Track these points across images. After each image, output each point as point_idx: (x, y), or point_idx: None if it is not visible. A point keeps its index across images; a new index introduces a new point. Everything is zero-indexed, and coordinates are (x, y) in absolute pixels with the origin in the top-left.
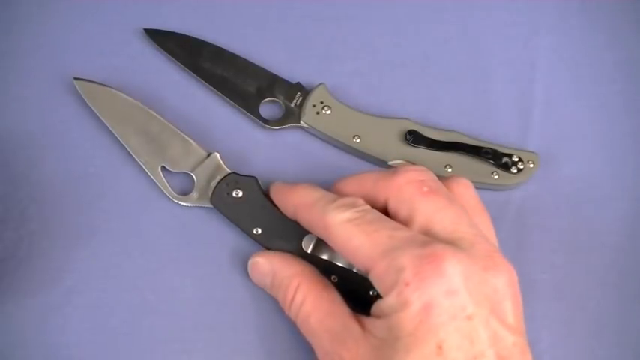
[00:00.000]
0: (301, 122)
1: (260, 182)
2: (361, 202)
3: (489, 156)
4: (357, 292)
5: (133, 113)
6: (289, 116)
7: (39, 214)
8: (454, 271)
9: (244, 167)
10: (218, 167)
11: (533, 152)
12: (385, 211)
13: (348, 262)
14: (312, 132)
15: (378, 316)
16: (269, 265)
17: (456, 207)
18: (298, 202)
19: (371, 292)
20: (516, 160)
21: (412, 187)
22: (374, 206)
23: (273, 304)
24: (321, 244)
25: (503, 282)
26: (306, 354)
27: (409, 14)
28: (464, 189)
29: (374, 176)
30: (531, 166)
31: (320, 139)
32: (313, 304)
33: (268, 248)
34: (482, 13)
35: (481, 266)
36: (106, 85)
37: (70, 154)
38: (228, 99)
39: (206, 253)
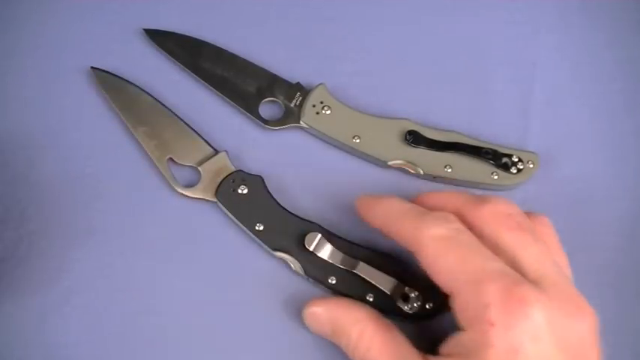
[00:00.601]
0: (301, 122)
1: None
2: (453, 217)
3: (489, 156)
4: (355, 295)
5: (145, 106)
6: (289, 116)
7: (38, 214)
8: (540, 315)
9: (244, 167)
10: (225, 165)
11: (533, 152)
12: None
13: (432, 279)
14: (312, 132)
15: (451, 354)
16: (327, 314)
17: (541, 245)
18: (388, 211)
19: (368, 297)
20: (516, 160)
21: (500, 219)
22: None
23: (273, 304)
24: (323, 242)
25: (587, 328)
26: (303, 350)
27: (409, 14)
28: (546, 227)
29: (462, 198)
30: (531, 166)
31: (320, 139)
32: (380, 349)
33: (269, 245)
34: (483, 13)
35: (565, 311)
36: (121, 78)
37: (69, 154)
38: (228, 99)
39: (206, 252)
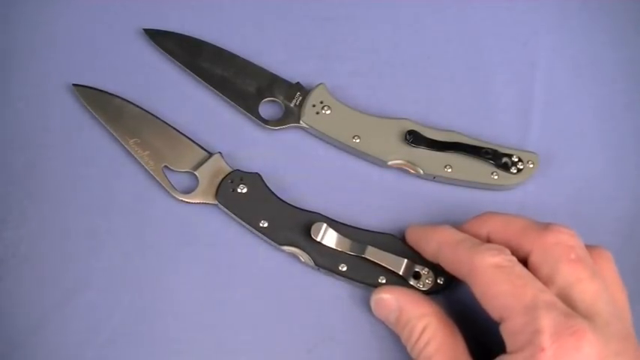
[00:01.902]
0: (301, 122)
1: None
2: (508, 251)
3: (489, 156)
4: (368, 279)
5: (132, 116)
6: (289, 116)
7: (39, 214)
8: (591, 350)
9: (244, 167)
10: (221, 166)
11: (533, 152)
12: (523, 261)
13: (483, 305)
14: (312, 132)
15: None
16: (396, 303)
17: (598, 281)
18: (443, 240)
19: (380, 280)
20: (516, 160)
21: (560, 250)
22: (514, 251)
23: (273, 304)
24: (329, 231)
25: None
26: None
27: (409, 14)
28: (606, 262)
29: (523, 223)
30: (531, 166)
31: (320, 139)
32: (438, 348)
33: (276, 241)
34: (483, 13)
35: (614, 350)
36: (104, 91)
37: (71, 153)
38: (228, 99)
39: (212, 255)
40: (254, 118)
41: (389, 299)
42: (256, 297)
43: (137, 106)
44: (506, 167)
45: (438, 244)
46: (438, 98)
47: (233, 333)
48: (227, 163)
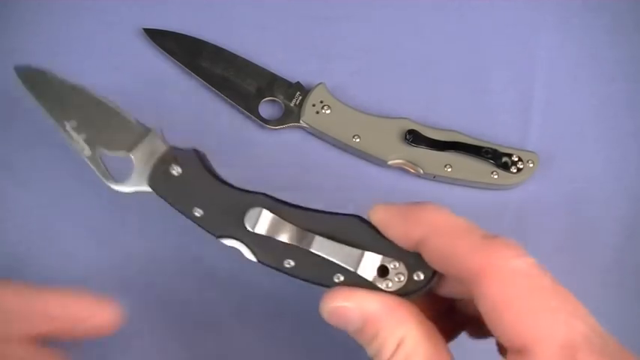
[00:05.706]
0: (301, 122)
1: (207, 157)
2: (523, 249)
3: (489, 155)
4: (322, 278)
5: (69, 95)
6: (289, 116)
7: (38, 214)
8: None
9: (244, 167)
10: (158, 143)
11: (533, 152)
12: None
13: (490, 323)
14: (312, 131)
15: None
16: (358, 312)
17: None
18: (434, 225)
19: (335, 279)
20: (516, 159)
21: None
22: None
23: (273, 303)
24: (267, 219)
25: None
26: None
27: (409, 14)
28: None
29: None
30: (531, 165)
31: (320, 138)
32: None
33: (212, 232)
34: (483, 13)
35: None
36: (43, 71)
37: (70, 152)
38: (228, 99)
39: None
40: (254, 117)
41: (347, 309)
42: (251, 299)
43: (75, 83)
44: (506, 167)
45: (428, 228)
46: (438, 98)
47: (233, 331)
48: (165, 139)
